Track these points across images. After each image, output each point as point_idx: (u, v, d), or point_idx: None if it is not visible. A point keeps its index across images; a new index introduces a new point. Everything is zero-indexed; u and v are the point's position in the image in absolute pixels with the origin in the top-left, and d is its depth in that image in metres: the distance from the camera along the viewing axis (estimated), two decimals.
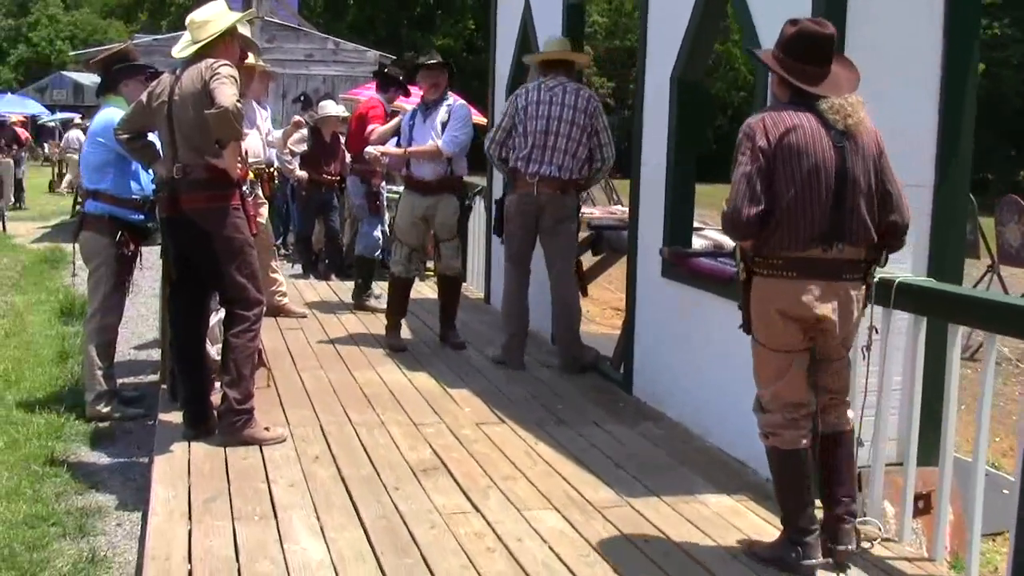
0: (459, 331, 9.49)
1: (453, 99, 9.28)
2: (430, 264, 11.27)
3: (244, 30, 7.52)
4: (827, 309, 4.70)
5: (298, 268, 14.12)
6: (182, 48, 6.41)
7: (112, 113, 7.65)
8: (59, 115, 50.00)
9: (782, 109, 4.74)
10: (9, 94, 50.00)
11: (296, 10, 28.93)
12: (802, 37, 4.70)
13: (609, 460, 6.41)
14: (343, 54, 20.52)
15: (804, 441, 4.86)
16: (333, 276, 13.31)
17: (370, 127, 10.66)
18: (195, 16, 6.42)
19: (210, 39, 6.31)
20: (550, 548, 5.04)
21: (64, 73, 71.52)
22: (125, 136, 6.66)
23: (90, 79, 63.34)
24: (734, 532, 5.36)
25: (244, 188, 6.43)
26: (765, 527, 5.40)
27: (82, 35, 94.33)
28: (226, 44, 6.41)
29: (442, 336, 9.45)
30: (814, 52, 4.69)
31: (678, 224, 7.43)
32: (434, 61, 9.28)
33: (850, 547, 4.94)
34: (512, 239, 8.70)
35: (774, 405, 4.87)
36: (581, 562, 4.89)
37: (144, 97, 6.55)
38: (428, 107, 9.21)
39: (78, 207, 23.71)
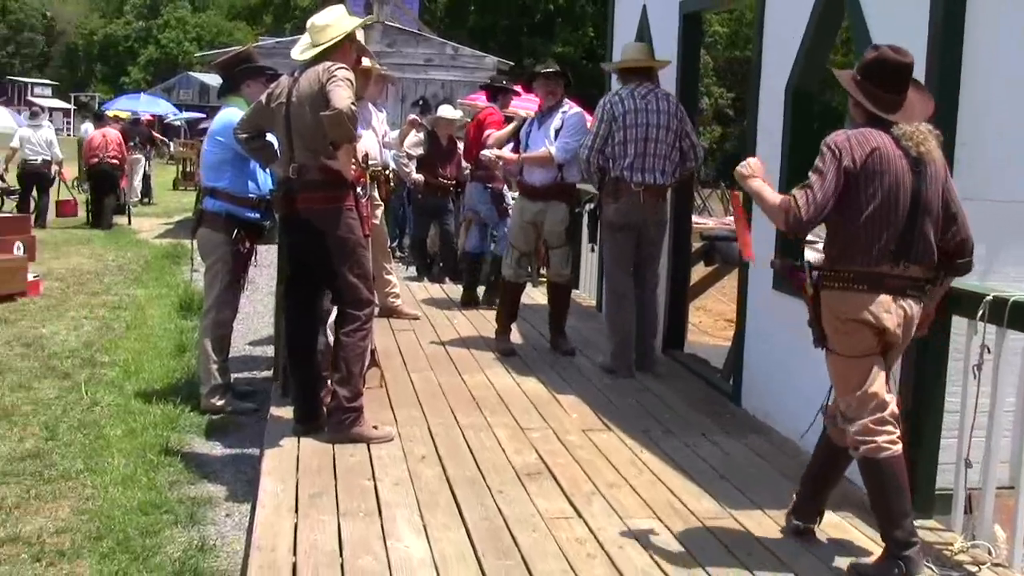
0: (569, 338, 9.50)
1: (568, 106, 9.27)
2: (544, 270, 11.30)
3: (359, 36, 7.62)
4: (892, 322, 4.87)
5: (412, 271, 14.25)
6: (301, 51, 6.54)
7: (232, 113, 7.82)
8: (185, 114, 51.05)
9: (860, 129, 4.90)
10: (143, 94, 51.07)
11: (416, 15, 29.23)
12: (879, 63, 4.88)
13: (714, 471, 6.38)
14: (462, 59, 20.65)
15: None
16: (447, 279, 13.42)
17: (487, 132, 10.75)
18: (315, 20, 6.54)
19: (330, 43, 6.42)
20: (651, 556, 5.05)
21: (191, 73, 73.01)
22: (244, 136, 6.81)
23: (215, 79, 64.47)
24: (837, 549, 5.31)
25: (358, 189, 6.52)
26: (869, 545, 5.34)
27: (208, 37, 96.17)
28: (344, 48, 6.53)
29: (552, 342, 9.48)
30: (890, 79, 4.87)
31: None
32: (550, 70, 9.31)
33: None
34: (618, 247, 8.74)
35: (861, 411, 4.94)
36: (681, 572, 4.89)
37: (263, 98, 6.69)
38: (544, 115, 9.27)
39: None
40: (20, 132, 22.41)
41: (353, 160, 6.43)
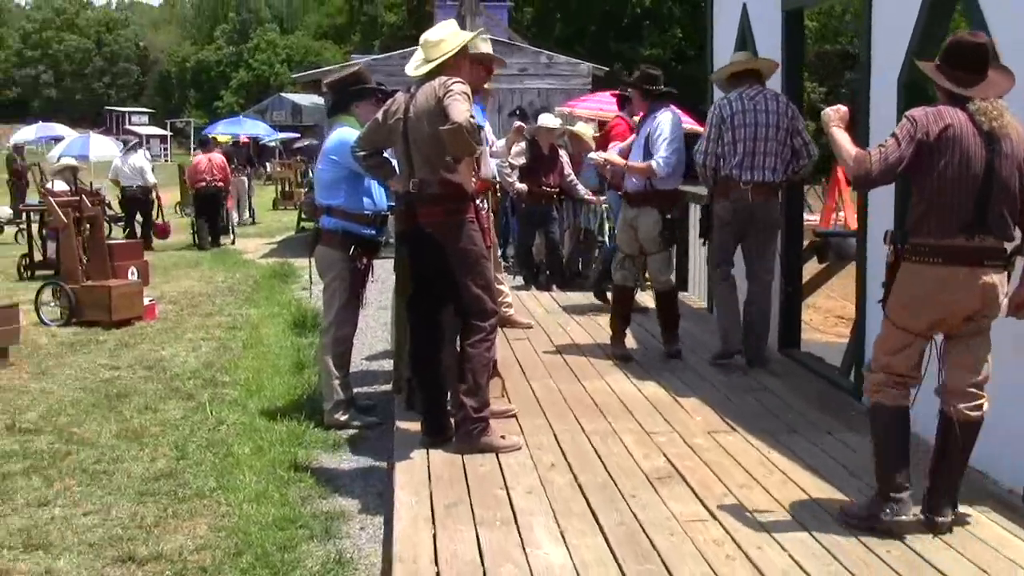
0: (682, 340, 9.47)
1: (660, 112, 9.15)
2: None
3: (486, 47, 7.70)
4: (967, 293, 5.18)
5: (519, 280, 14.31)
6: (416, 67, 6.61)
7: (346, 132, 7.91)
8: (280, 135, 51.65)
9: (939, 106, 5.26)
10: (244, 118, 51.81)
11: (506, 25, 29.32)
12: (956, 45, 5.27)
13: (844, 469, 6.33)
14: (556, 67, 20.68)
15: (905, 401, 5.44)
16: (554, 287, 13.46)
17: (612, 144, 10.79)
18: (429, 36, 6.61)
19: (444, 58, 6.48)
20: (790, 557, 5.03)
21: (283, 95, 73.79)
22: (362, 153, 6.90)
23: (308, 100, 65.28)
24: (975, 543, 5.25)
25: (478, 201, 6.57)
26: (1008, 538, 5.29)
27: (297, 57, 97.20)
28: (458, 62, 6.58)
29: (665, 346, 9.46)
30: (965, 59, 5.21)
31: None
32: (623, 80, 9.34)
33: (946, 520, 5.36)
34: (722, 242, 8.97)
35: (882, 371, 5.46)
36: (824, 571, 4.88)
37: (380, 115, 6.77)
38: (641, 121, 9.31)
39: (303, 221, 24.82)
40: (115, 162, 23.77)
41: (473, 172, 6.48)
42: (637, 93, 9.31)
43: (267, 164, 47.74)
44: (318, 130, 58.55)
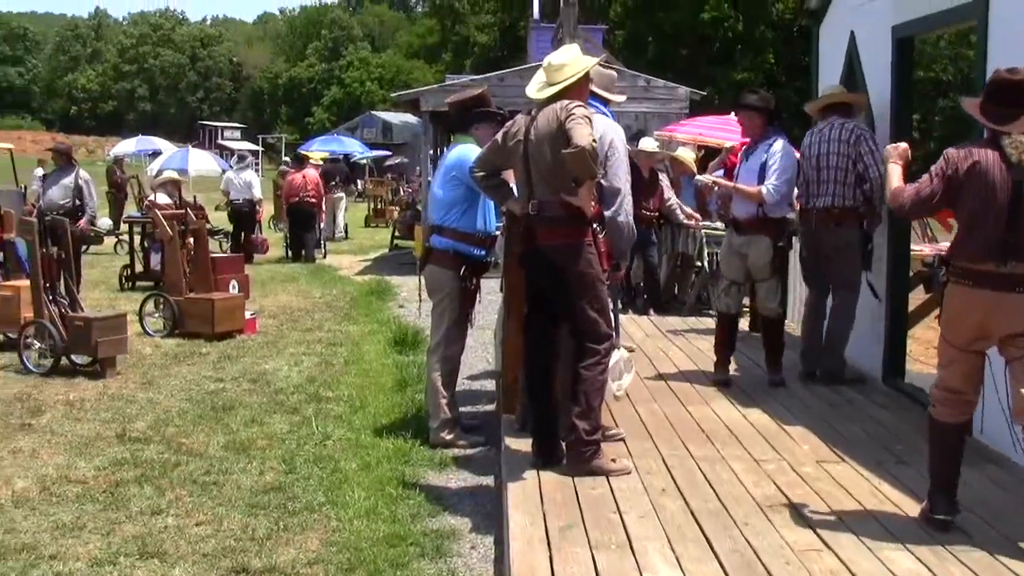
0: (782, 368, 9.41)
1: (774, 138, 9.18)
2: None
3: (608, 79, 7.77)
4: (995, 316, 5.57)
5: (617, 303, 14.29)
6: (538, 89, 6.66)
7: (467, 150, 7.98)
8: (370, 153, 52.07)
9: (973, 144, 5.69)
10: (340, 136, 52.32)
11: (602, 47, 29.34)
12: (995, 83, 5.60)
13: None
14: (654, 91, 20.62)
15: (957, 418, 5.85)
16: (651, 311, 13.44)
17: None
18: (552, 59, 6.67)
19: (567, 82, 6.53)
20: None
21: (373, 113, 74.43)
22: (481, 174, 6.97)
23: (399, 118, 65.89)
24: None
25: (596, 225, 6.60)
26: None
27: (388, 76, 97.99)
28: (580, 86, 6.63)
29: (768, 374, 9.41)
30: (1005, 95, 5.52)
31: None
32: (747, 102, 9.30)
33: None
34: (803, 268, 9.77)
35: (938, 386, 5.89)
36: None
37: (499, 137, 6.84)
38: (751, 147, 9.28)
39: (396, 240, 25.05)
40: (226, 175, 24.71)
41: (593, 196, 6.51)
42: (761, 118, 9.23)
43: (359, 181, 48.15)
44: (408, 148, 59.15)
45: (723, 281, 9.43)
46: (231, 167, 25.40)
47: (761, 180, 8.96)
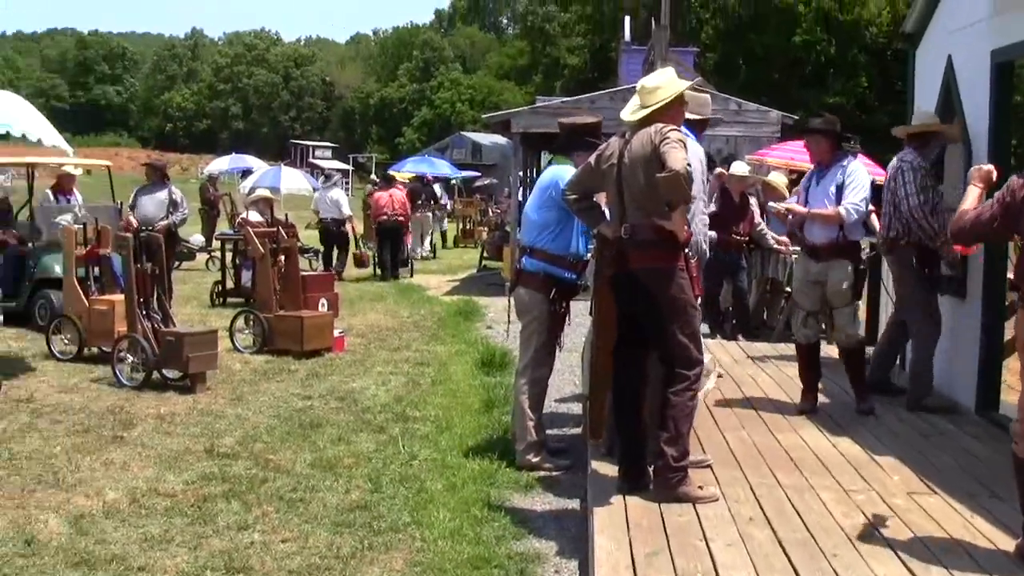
0: (869, 397, 9.26)
1: (848, 160, 9.07)
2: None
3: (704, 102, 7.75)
4: None
5: (704, 328, 14.20)
6: (632, 112, 6.64)
7: (562, 170, 7.97)
8: (460, 173, 52.30)
9: None
10: (430, 157, 52.63)
11: (693, 70, 29.25)
12: None
13: None
14: (746, 114, 20.49)
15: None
16: (740, 336, 13.34)
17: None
18: (646, 82, 6.65)
19: (659, 105, 6.51)
20: None
21: (463, 133, 74.73)
22: (573, 197, 6.97)
23: (488, 139, 66.11)
24: None
25: (688, 250, 6.57)
26: None
27: (479, 97, 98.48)
28: (674, 109, 6.60)
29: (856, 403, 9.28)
30: None
31: None
32: (812, 126, 9.22)
33: None
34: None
35: (1019, 418, 5.75)
36: None
37: (592, 160, 6.84)
38: (823, 170, 9.14)
39: (485, 260, 25.14)
40: (316, 194, 25.71)
41: (686, 220, 6.48)
42: (828, 141, 9.10)
43: (447, 202, 48.36)
44: (497, 169, 59.33)
45: (800, 312, 9.32)
46: (320, 186, 25.96)
47: (836, 203, 8.86)
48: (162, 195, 16.08)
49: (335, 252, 23.41)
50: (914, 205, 9.12)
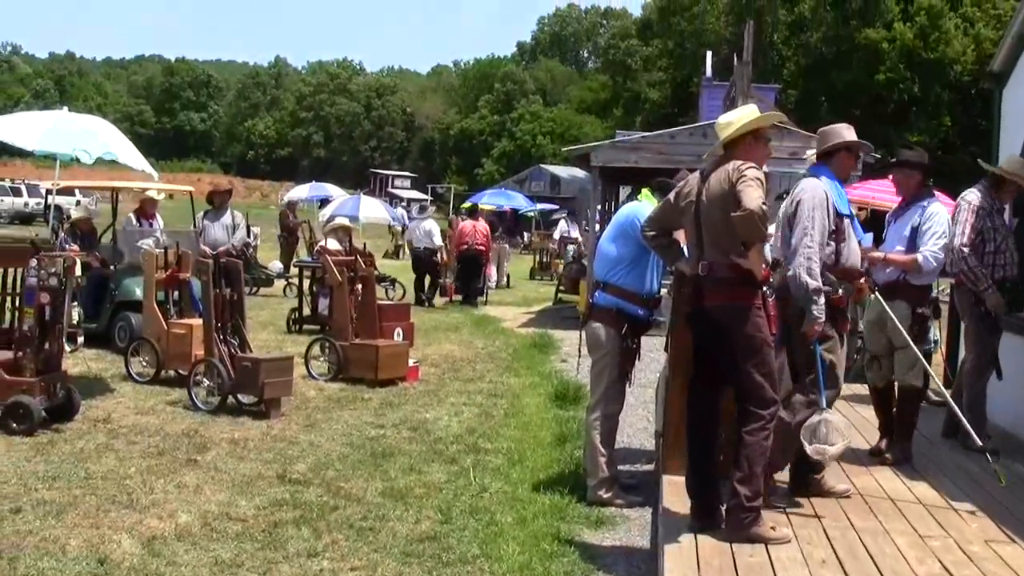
0: (902, 448, 8.89)
1: (929, 201, 8.81)
2: None
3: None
4: None
5: None
6: (708, 155, 6.64)
7: (640, 207, 7.96)
8: (538, 206, 52.44)
9: None
10: (507, 190, 52.90)
11: (775, 107, 29.12)
12: None
13: None
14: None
15: None
16: None
17: None
18: (721, 119, 6.64)
19: (731, 135, 6.47)
20: None
21: (543, 166, 74.92)
22: (651, 233, 6.96)
23: (567, 172, 66.27)
24: None
25: (766, 288, 6.52)
26: None
27: (559, 130, 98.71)
28: (752, 146, 6.55)
29: (887, 446, 8.94)
30: None
31: None
32: (906, 158, 9.05)
33: None
34: None
35: None
36: None
37: (671, 196, 6.83)
38: (903, 207, 8.95)
39: (561, 293, 25.22)
40: (410, 224, 27.75)
41: (763, 258, 6.43)
42: (919, 175, 8.91)
43: (524, 234, 48.53)
44: (575, 202, 59.40)
45: (867, 354, 9.18)
46: (415, 216, 26.86)
47: (911, 244, 8.68)
48: (227, 218, 16.39)
49: (426, 280, 24.33)
50: (960, 244, 9.04)
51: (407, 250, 26.25)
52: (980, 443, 8.33)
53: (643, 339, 8.56)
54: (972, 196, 9.27)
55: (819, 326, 6.84)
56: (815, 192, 7.09)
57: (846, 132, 7.41)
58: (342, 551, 7.05)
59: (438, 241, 24.43)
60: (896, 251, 8.75)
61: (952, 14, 65.62)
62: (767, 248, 7.21)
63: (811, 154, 7.94)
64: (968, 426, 8.40)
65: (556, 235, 41.42)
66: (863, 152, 8.00)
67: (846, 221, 7.26)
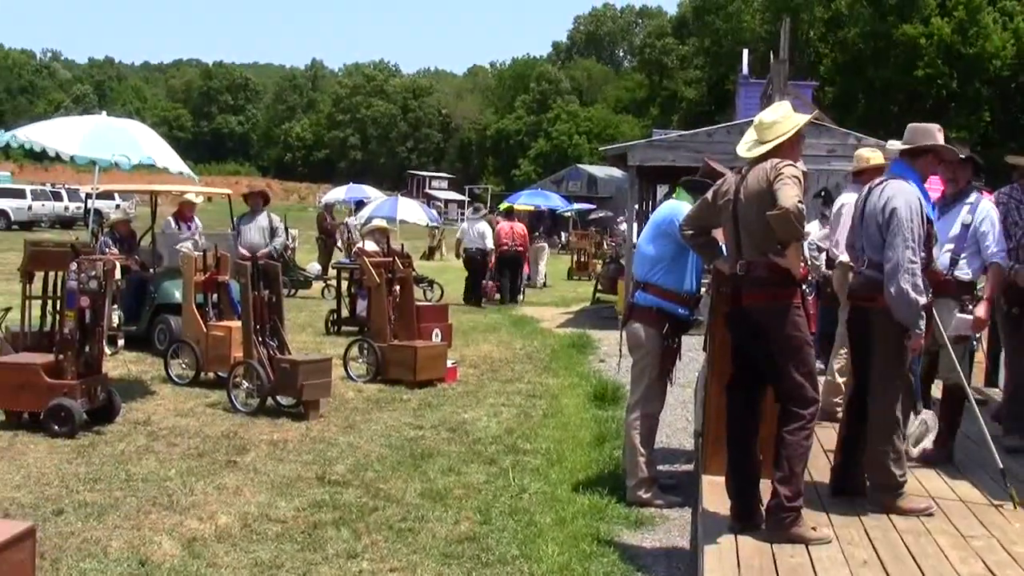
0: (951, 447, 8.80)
1: (976, 197, 8.71)
2: None
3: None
4: None
5: (819, 365, 13.99)
6: (747, 148, 6.56)
7: (677, 206, 7.94)
8: (575, 206, 52.37)
9: None
10: (543, 191, 52.84)
11: (811, 104, 28.99)
12: None
13: None
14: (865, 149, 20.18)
15: None
16: None
17: None
18: (763, 117, 6.56)
19: (778, 141, 6.42)
20: None
21: (579, 166, 74.87)
22: (690, 232, 6.92)
23: (604, 172, 66.18)
24: None
25: (804, 287, 6.47)
26: None
27: (596, 130, 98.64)
28: (792, 145, 6.50)
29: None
30: None
31: None
32: (964, 154, 8.90)
33: None
34: None
35: None
36: None
37: (709, 195, 6.78)
38: (948, 202, 8.78)
39: (599, 293, 25.23)
40: (462, 225, 28.77)
41: (801, 258, 6.38)
42: (970, 170, 8.76)
43: (561, 234, 48.50)
44: (612, 202, 59.32)
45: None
46: (470, 216, 27.62)
47: (962, 242, 8.56)
48: (263, 221, 16.40)
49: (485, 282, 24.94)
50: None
51: (460, 251, 26.51)
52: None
53: (684, 338, 8.52)
54: (1005, 190, 9.22)
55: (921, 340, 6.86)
56: (909, 200, 6.86)
57: (938, 135, 7.19)
58: (381, 552, 7.06)
59: (490, 244, 24.71)
60: (947, 250, 8.63)
61: (991, 8, 65.25)
62: (805, 246, 7.14)
63: (894, 145, 7.79)
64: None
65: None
66: (949, 159, 7.63)
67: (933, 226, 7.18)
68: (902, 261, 6.68)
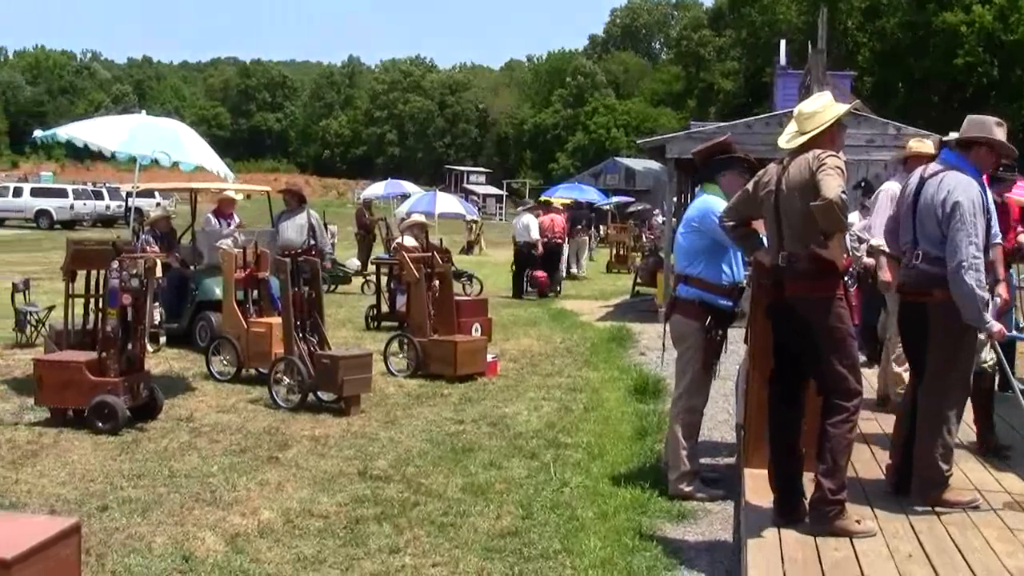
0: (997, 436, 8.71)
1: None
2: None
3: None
4: None
5: (862, 357, 13.90)
6: (788, 139, 6.52)
7: (711, 201, 7.93)
8: (613, 199, 52.31)
9: None
10: (582, 184, 52.86)
11: (850, 94, 28.80)
12: None
13: None
14: (904, 139, 20.00)
15: None
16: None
17: None
18: (803, 107, 6.52)
19: (818, 130, 6.37)
20: None
21: (617, 159, 74.80)
22: (730, 224, 6.88)
23: (642, 164, 66.17)
24: None
25: (847, 278, 6.42)
26: None
27: (634, 123, 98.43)
28: (832, 134, 6.45)
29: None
30: None
31: None
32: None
33: None
34: None
35: None
36: None
37: (750, 186, 6.74)
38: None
39: (638, 286, 25.22)
40: (514, 220, 29.05)
41: (844, 248, 6.34)
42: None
43: (600, 227, 48.41)
44: (651, 195, 59.21)
45: None
46: (520, 210, 29.34)
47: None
48: (301, 219, 16.40)
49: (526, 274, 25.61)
50: None
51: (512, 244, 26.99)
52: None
53: (728, 331, 8.46)
54: None
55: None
56: (970, 193, 6.77)
57: (996, 130, 7.03)
58: (423, 547, 7.06)
59: (535, 235, 25.43)
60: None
61: None
62: (847, 237, 7.07)
63: (953, 136, 7.67)
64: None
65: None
66: (1005, 155, 7.40)
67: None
68: (966, 258, 6.59)
